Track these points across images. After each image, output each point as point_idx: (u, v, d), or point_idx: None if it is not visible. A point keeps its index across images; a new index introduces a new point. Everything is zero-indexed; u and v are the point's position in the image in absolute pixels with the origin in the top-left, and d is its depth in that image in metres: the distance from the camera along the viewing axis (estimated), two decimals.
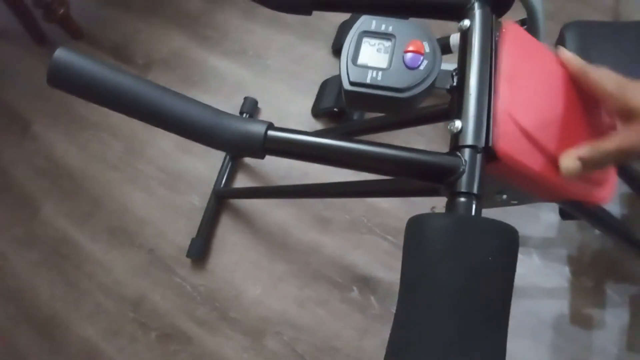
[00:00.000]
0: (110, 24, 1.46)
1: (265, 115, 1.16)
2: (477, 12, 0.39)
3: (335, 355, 0.92)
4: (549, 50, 0.43)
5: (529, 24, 0.83)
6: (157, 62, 1.32)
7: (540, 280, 1.03)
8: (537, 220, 1.07)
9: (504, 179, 0.37)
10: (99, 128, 1.26)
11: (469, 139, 0.33)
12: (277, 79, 1.19)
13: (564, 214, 0.58)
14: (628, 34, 0.90)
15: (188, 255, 1.00)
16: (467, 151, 0.33)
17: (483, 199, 0.32)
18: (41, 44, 1.51)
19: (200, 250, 1.00)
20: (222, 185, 1.05)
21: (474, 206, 0.31)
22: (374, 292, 0.96)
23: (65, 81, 0.34)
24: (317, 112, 1.08)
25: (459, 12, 0.41)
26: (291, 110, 1.15)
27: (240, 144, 0.36)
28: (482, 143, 0.33)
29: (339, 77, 0.92)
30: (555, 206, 1.12)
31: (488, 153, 0.33)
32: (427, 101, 0.56)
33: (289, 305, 0.96)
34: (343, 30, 1.19)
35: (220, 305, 0.99)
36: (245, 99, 1.12)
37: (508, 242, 0.30)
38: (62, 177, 1.24)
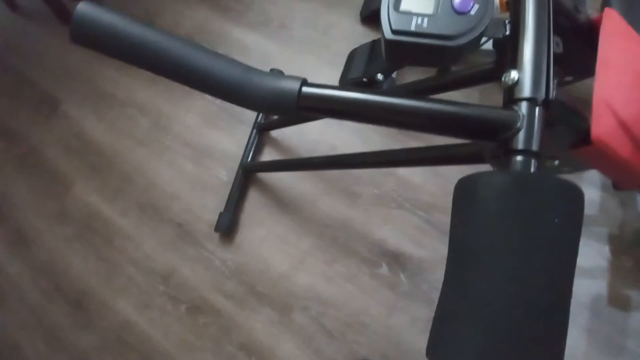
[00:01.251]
0: (134, 0, 1.45)
1: None
2: None
3: (363, 331, 0.91)
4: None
5: None
6: (182, 34, 1.30)
7: (578, 260, 0.98)
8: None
9: (591, 162, 0.35)
10: (126, 104, 1.26)
11: (527, 91, 0.30)
12: (303, 50, 1.15)
13: (617, 186, 0.53)
14: None
15: (216, 229, 1.00)
16: (524, 104, 0.29)
17: (543, 159, 0.29)
18: (66, 23, 1.52)
19: (228, 224, 1.00)
20: (249, 159, 1.03)
21: (532, 164, 0.28)
22: (404, 269, 0.93)
23: (89, 36, 0.32)
24: (345, 83, 1.04)
25: None
26: (318, 81, 1.12)
27: (273, 102, 0.34)
28: (542, 95, 0.30)
29: (367, 45, 0.87)
30: (597, 180, 1.06)
31: (548, 107, 0.30)
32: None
33: (317, 280, 0.95)
34: None
35: (248, 279, 0.99)
36: (271, 70, 1.09)
37: (574, 203, 0.26)
38: (91, 154, 1.25)
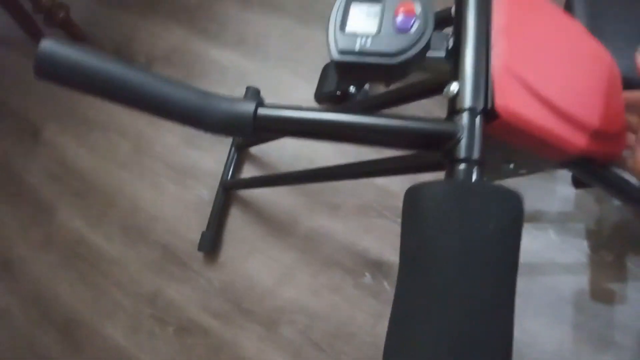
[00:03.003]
0: (110, 23, 1.47)
1: (269, 102, 1.15)
2: None
3: (350, 341, 0.91)
4: (550, 4, 0.40)
5: None
6: (159, 59, 1.31)
7: (557, 256, 1.00)
8: (553, 194, 1.04)
9: (508, 139, 0.36)
10: (107, 128, 1.27)
11: (467, 102, 0.31)
12: (279, 66, 1.17)
13: (577, 182, 0.55)
14: None
15: (200, 249, 1.00)
16: (464, 114, 0.31)
17: (485, 165, 0.31)
18: None
19: (211, 243, 1.00)
20: (229, 177, 1.04)
21: (474, 172, 0.29)
22: (387, 277, 0.94)
23: (52, 73, 0.33)
24: (319, 97, 1.06)
25: None
26: (294, 96, 1.14)
27: (231, 125, 0.35)
28: (481, 104, 0.31)
29: None
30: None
31: (488, 114, 0.32)
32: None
33: (302, 293, 0.95)
34: None
35: (234, 296, 0.99)
36: (248, 88, 1.11)
37: (512, 208, 0.28)
38: (74, 180, 1.26)
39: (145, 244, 1.10)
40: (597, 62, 0.41)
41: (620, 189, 0.49)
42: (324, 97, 1.05)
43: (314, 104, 1.11)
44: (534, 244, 1.01)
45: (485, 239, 0.25)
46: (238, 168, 1.07)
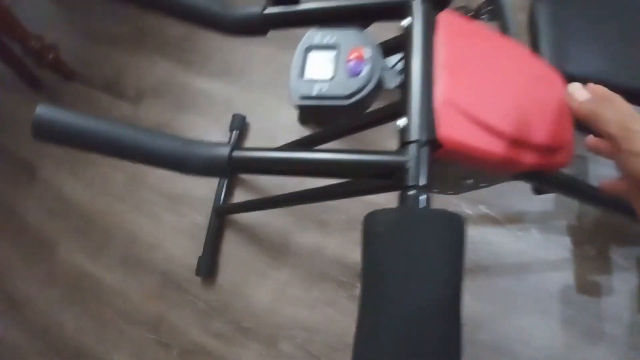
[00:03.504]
0: (99, 60, 1.52)
1: (254, 129, 1.19)
2: (418, 10, 0.41)
3: (348, 352, 0.93)
4: (489, 29, 0.45)
5: (494, 13, 0.85)
6: (148, 92, 1.37)
7: (542, 254, 1.04)
8: (534, 195, 1.09)
9: (457, 162, 0.40)
10: (101, 164, 1.31)
11: (413, 135, 0.36)
12: (263, 92, 1.23)
13: (537, 189, 0.59)
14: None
15: (197, 273, 1.04)
16: (412, 146, 0.35)
17: (432, 188, 0.35)
18: (36, 89, 1.57)
19: (208, 267, 1.04)
20: (221, 202, 1.08)
21: (421, 198, 0.33)
22: None
23: (48, 134, 0.37)
24: (303, 120, 1.11)
25: (402, 11, 0.43)
26: (280, 121, 1.18)
27: (209, 168, 0.39)
28: (426, 136, 0.35)
29: None
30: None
31: (433, 144, 0.36)
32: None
33: (299, 308, 0.99)
34: None
35: (233, 316, 1.02)
36: (234, 116, 1.16)
37: (453, 230, 0.32)
38: (73, 216, 1.29)
39: (145, 272, 1.13)
40: (540, 81, 0.46)
41: (575, 191, 0.53)
42: (308, 120, 1.10)
43: (299, 126, 1.16)
44: (519, 244, 1.05)
45: (429, 259, 0.29)
46: (229, 193, 1.12)
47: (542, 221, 1.07)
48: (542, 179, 0.48)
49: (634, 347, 0.96)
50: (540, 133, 0.41)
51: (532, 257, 1.04)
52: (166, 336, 1.06)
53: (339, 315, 0.97)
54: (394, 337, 0.28)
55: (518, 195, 1.07)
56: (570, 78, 0.88)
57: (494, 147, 0.38)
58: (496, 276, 1.03)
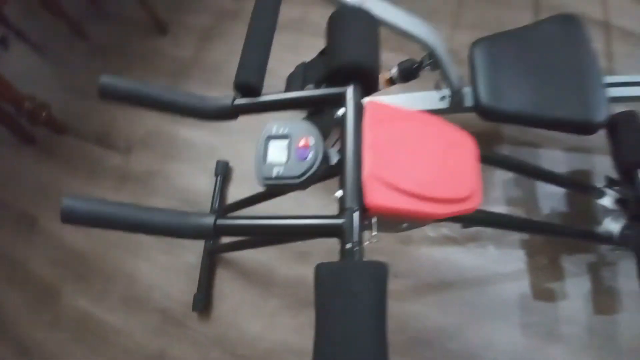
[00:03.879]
0: (89, 115, 1.64)
1: (237, 172, 1.32)
2: (350, 99, 0.55)
3: None
4: (410, 112, 0.58)
5: (434, 64, 0.99)
6: (137, 144, 1.49)
7: (499, 268, 1.16)
8: None
9: (387, 218, 0.53)
10: None
11: (347, 203, 0.48)
12: (244, 138, 1.36)
13: (462, 224, 0.72)
14: (524, 38, 1.07)
15: (193, 309, 1.15)
16: (346, 212, 0.48)
17: (362, 244, 0.47)
18: (30, 144, 1.67)
19: (203, 302, 1.15)
20: (211, 243, 1.20)
21: (354, 251, 0.46)
22: None
23: (75, 219, 0.49)
24: None
25: (338, 100, 0.56)
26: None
27: (199, 235, 0.51)
28: (357, 204, 0.48)
29: (301, 66, 0.97)
30: (501, 198, 1.26)
31: (363, 209, 0.48)
32: None
33: (287, 333, 1.10)
34: (291, 82, 1.36)
35: (229, 346, 1.13)
36: (218, 162, 1.28)
37: (378, 275, 0.44)
38: (74, 262, 1.38)
39: (145, 311, 1.23)
40: (452, 146, 0.59)
41: (492, 223, 0.65)
42: None
43: None
44: (478, 260, 1.18)
45: (359, 299, 0.42)
46: None
47: (497, 238, 1.20)
48: (460, 220, 0.61)
49: (591, 346, 1.08)
50: (451, 189, 0.54)
51: (491, 271, 1.16)
52: None
53: None
54: (336, 350, 0.40)
55: None
56: (503, 114, 1.04)
57: (411, 206, 0.51)
58: (460, 290, 1.15)
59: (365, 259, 0.46)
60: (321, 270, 0.45)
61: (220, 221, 0.50)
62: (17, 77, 1.49)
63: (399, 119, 0.56)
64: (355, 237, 0.47)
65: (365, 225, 0.49)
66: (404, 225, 0.61)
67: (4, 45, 1.98)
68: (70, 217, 0.49)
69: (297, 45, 1.36)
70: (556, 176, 1.01)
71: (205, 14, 1.76)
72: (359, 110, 0.55)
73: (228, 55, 1.61)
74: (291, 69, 0.82)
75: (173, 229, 0.51)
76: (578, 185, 1.07)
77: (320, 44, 0.64)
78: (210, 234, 0.50)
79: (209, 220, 0.50)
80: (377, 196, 0.49)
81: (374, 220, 0.51)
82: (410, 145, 0.55)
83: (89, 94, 1.70)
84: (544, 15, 1.56)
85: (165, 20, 1.74)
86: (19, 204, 1.57)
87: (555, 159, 1.30)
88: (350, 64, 0.55)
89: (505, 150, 1.33)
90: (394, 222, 0.59)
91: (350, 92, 0.55)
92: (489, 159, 0.68)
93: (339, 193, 0.49)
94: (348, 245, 0.46)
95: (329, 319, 0.42)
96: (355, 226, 0.47)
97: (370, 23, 0.60)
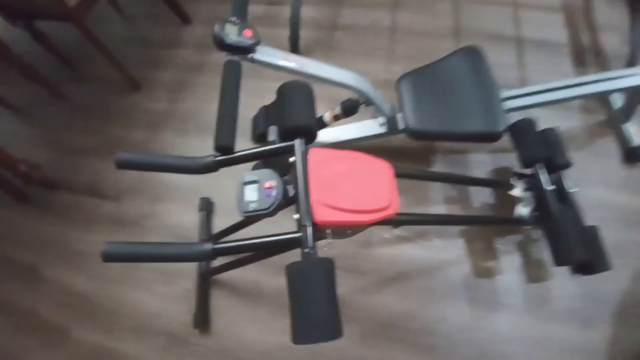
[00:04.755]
0: (77, 170, 1.81)
1: (220, 207, 1.53)
2: (298, 152, 0.78)
3: (320, 359, 1.27)
4: (341, 152, 0.82)
5: (367, 102, 1.24)
6: (125, 190, 1.67)
7: (443, 256, 1.41)
8: (430, 213, 1.47)
9: (334, 228, 0.76)
10: (96, 256, 1.54)
11: (302, 221, 0.71)
12: (222, 176, 1.54)
13: (394, 226, 0.96)
14: (438, 70, 1.34)
15: (194, 326, 1.34)
16: (302, 228, 0.70)
17: (316, 249, 0.69)
18: (24, 202, 1.81)
19: (202, 320, 1.34)
20: (203, 267, 1.40)
21: (310, 253, 0.68)
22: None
23: (112, 258, 0.69)
24: (255, 138, 1.33)
25: (290, 151, 0.79)
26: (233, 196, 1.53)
27: (200, 258, 0.73)
28: (309, 221, 0.71)
29: (262, 109, 1.12)
30: (441, 197, 1.50)
31: (314, 225, 0.71)
32: None
33: (278, 335, 1.31)
34: (256, 123, 1.58)
35: (231, 354, 1.32)
36: (201, 199, 1.49)
37: (327, 267, 0.66)
38: (80, 303, 1.53)
39: (152, 336, 1.41)
40: (374, 172, 0.83)
41: (415, 221, 0.89)
42: (257, 138, 1.40)
43: None
44: (427, 252, 1.42)
45: (315, 285, 0.64)
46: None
47: (440, 232, 1.45)
48: (389, 222, 0.85)
49: (528, 310, 1.32)
50: (374, 202, 0.78)
51: (438, 260, 1.41)
52: None
53: None
54: (304, 323, 0.63)
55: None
56: (427, 134, 1.29)
57: (347, 218, 0.74)
58: (415, 279, 1.39)
59: (320, 257, 0.69)
60: (290, 268, 0.67)
61: (216, 246, 0.72)
62: (2, 141, 1.63)
63: (333, 158, 0.80)
64: (310, 244, 0.69)
65: (321, 235, 0.72)
66: (349, 232, 0.84)
67: None
68: (109, 257, 0.69)
69: (258, 89, 1.59)
70: (467, 179, 1.27)
71: (173, 69, 1.99)
72: (305, 156, 0.78)
73: (198, 103, 1.83)
74: (254, 111, 1.04)
75: (182, 255, 0.72)
76: (491, 183, 1.34)
77: (275, 85, 0.86)
78: (209, 256, 0.72)
79: (208, 246, 0.71)
80: (322, 214, 0.72)
81: (328, 231, 0.74)
82: (343, 175, 0.78)
83: (74, 150, 1.88)
84: (463, 41, 1.87)
85: (137, 78, 1.95)
86: (21, 257, 1.69)
87: (481, 161, 1.58)
88: (296, 126, 0.79)
89: (440, 159, 1.60)
90: (341, 230, 0.82)
91: (297, 144, 0.78)
92: (403, 174, 0.91)
93: (296, 215, 0.72)
94: (306, 250, 0.69)
95: (296, 298, 0.64)
96: (309, 237, 0.70)
97: (307, 92, 0.84)
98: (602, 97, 1.67)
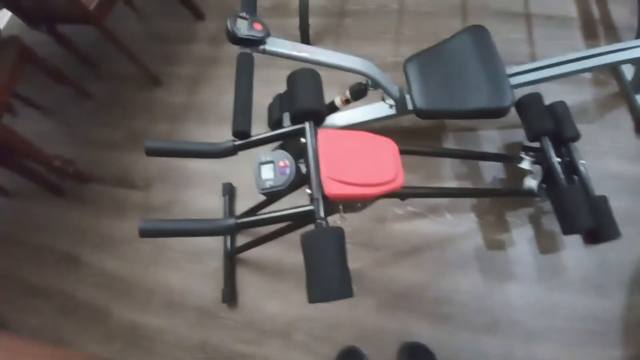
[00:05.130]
0: (106, 163, 1.93)
1: (240, 191, 1.63)
2: (308, 133, 0.85)
3: (340, 328, 1.36)
4: (348, 132, 0.89)
5: (374, 85, 1.29)
6: (153, 180, 1.79)
7: (455, 230, 1.47)
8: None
9: (344, 202, 0.83)
10: (130, 240, 1.71)
11: (314, 195, 0.78)
12: (242, 162, 1.63)
13: (400, 199, 1.02)
14: (444, 50, 1.38)
15: (223, 301, 1.44)
16: (314, 202, 0.78)
17: (328, 218, 0.77)
18: (60, 195, 1.95)
19: (230, 295, 1.45)
20: (229, 248, 1.50)
21: (322, 223, 0.76)
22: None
23: (147, 233, 0.78)
24: (271, 125, 1.36)
25: (302, 133, 0.86)
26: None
27: (226, 231, 0.81)
28: (320, 195, 0.78)
29: (277, 97, 1.19)
30: (451, 174, 1.55)
31: (324, 198, 0.78)
32: None
33: (300, 307, 1.41)
34: (271, 110, 1.66)
35: (256, 325, 1.42)
36: (223, 185, 1.59)
37: (337, 235, 0.73)
38: (116, 284, 1.66)
39: (184, 311, 1.52)
40: (380, 148, 0.89)
41: (418, 194, 0.95)
42: (274, 125, 1.47)
43: None
44: (439, 226, 1.48)
45: (327, 249, 0.71)
46: (234, 240, 1.53)
47: (452, 206, 1.51)
48: (396, 195, 0.91)
49: (540, 279, 1.37)
50: (380, 176, 0.85)
51: (449, 233, 1.47)
52: (211, 352, 1.45)
53: (328, 305, 1.34)
54: (317, 284, 0.70)
55: None
56: (435, 113, 1.34)
57: (355, 191, 0.81)
58: (428, 252, 1.45)
59: (331, 226, 0.76)
60: (304, 236, 0.74)
61: (239, 220, 0.80)
62: (35, 140, 1.74)
63: (340, 138, 0.87)
64: (322, 215, 0.77)
65: (334, 209, 0.79)
66: (359, 205, 0.92)
67: (12, 113, 2.27)
68: (145, 233, 0.78)
69: (272, 78, 1.66)
70: (474, 153, 1.32)
71: (190, 63, 2.07)
72: (314, 136, 0.85)
73: (216, 95, 1.92)
74: (269, 99, 1.11)
75: (209, 230, 0.80)
76: (501, 157, 1.38)
77: (287, 73, 0.93)
78: (234, 229, 0.80)
79: (232, 221, 0.80)
80: (332, 188, 0.79)
81: (340, 207, 0.82)
82: (350, 153, 0.85)
83: (102, 145, 2.00)
84: (471, 20, 1.89)
85: (156, 73, 2.04)
86: (59, 246, 1.83)
87: (492, 138, 1.61)
88: (305, 109, 0.86)
89: (451, 137, 1.64)
90: (352, 204, 0.90)
91: (307, 126, 0.85)
92: (407, 150, 0.98)
93: (309, 191, 0.80)
94: (317, 221, 0.77)
95: (310, 263, 0.72)
96: (320, 208, 0.77)
97: (314, 78, 0.91)
98: (614, 70, 1.68)
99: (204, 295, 1.52)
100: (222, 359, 1.43)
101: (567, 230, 1.20)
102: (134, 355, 1.54)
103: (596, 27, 1.80)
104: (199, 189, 1.70)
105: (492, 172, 1.54)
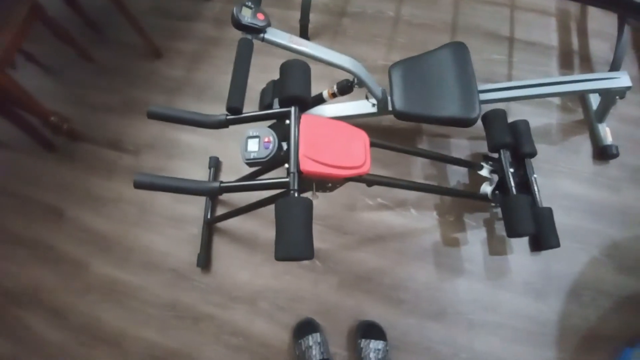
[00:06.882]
0: (100, 125, 1.99)
1: (225, 166, 1.74)
2: (292, 116, 0.97)
3: (302, 301, 1.49)
4: (327, 119, 1.01)
5: (360, 83, 1.42)
6: (144, 147, 1.88)
7: (418, 224, 1.61)
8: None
9: (317, 179, 0.95)
10: (116, 200, 1.80)
11: (291, 169, 0.90)
12: (230, 139, 1.77)
13: (367, 185, 1.15)
14: (426, 60, 1.51)
15: (197, 265, 1.56)
16: (291, 175, 0.90)
17: (301, 190, 0.89)
18: (51, 151, 2.00)
19: (204, 260, 1.56)
20: (208, 216, 1.61)
21: (295, 194, 0.88)
22: (317, 258, 1.53)
23: (141, 185, 0.89)
24: (261, 108, 1.53)
25: (287, 116, 0.98)
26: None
27: (211, 192, 0.93)
28: (296, 169, 0.90)
29: (270, 83, 1.30)
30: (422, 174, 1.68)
31: (299, 172, 0.91)
32: None
33: (268, 278, 1.53)
34: (264, 95, 1.77)
35: (225, 290, 1.54)
36: (210, 158, 1.70)
37: (306, 204, 0.86)
38: (98, 240, 1.73)
39: (160, 271, 1.63)
40: (352, 137, 1.02)
41: (382, 183, 1.09)
42: (264, 108, 1.60)
43: None
44: (403, 219, 1.62)
45: (297, 216, 0.83)
46: (213, 209, 1.65)
47: (417, 203, 1.65)
48: (362, 180, 1.04)
49: (486, 277, 1.52)
50: (350, 161, 0.97)
51: (412, 227, 1.61)
52: (181, 311, 1.56)
53: (294, 279, 1.51)
54: (284, 244, 0.83)
55: (400, 190, 1.64)
56: (411, 115, 1.48)
57: (327, 170, 0.93)
58: (391, 242, 1.59)
59: (302, 196, 0.88)
60: (278, 202, 0.87)
61: (223, 185, 0.92)
62: (34, 94, 1.77)
63: (320, 124, 0.99)
64: (295, 187, 0.89)
65: (306, 188, 0.91)
66: (329, 185, 1.04)
67: (11, 65, 2.30)
68: (139, 185, 0.89)
69: (268, 65, 1.76)
70: (443, 156, 1.46)
71: (193, 40, 2.16)
72: (298, 120, 0.97)
73: (214, 74, 2.02)
74: (262, 84, 1.22)
75: (196, 189, 0.92)
76: (465, 163, 1.52)
77: (281, 62, 1.03)
78: (217, 192, 0.91)
79: (216, 184, 0.91)
80: (307, 165, 0.92)
81: (313, 184, 0.94)
82: (326, 137, 0.97)
83: (98, 108, 2.07)
84: (460, 36, 2.03)
85: (159, 46, 2.13)
86: (47, 200, 1.87)
87: (461, 145, 1.76)
88: (292, 96, 0.98)
89: (425, 140, 1.78)
90: (323, 183, 1.02)
91: (292, 111, 0.98)
92: (378, 144, 1.11)
93: (286, 165, 0.92)
94: (291, 191, 0.89)
95: (280, 225, 0.84)
96: (295, 181, 0.90)
97: (304, 69, 1.02)
98: (581, 98, 1.83)
99: (180, 259, 1.63)
100: (191, 319, 1.54)
101: (511, 233, 1.35)
102: (106, 307, 1.63)
103: (573, 58, 1.95)
104: (188, 161, 1.80)
105: (456, 176, 1.69)
